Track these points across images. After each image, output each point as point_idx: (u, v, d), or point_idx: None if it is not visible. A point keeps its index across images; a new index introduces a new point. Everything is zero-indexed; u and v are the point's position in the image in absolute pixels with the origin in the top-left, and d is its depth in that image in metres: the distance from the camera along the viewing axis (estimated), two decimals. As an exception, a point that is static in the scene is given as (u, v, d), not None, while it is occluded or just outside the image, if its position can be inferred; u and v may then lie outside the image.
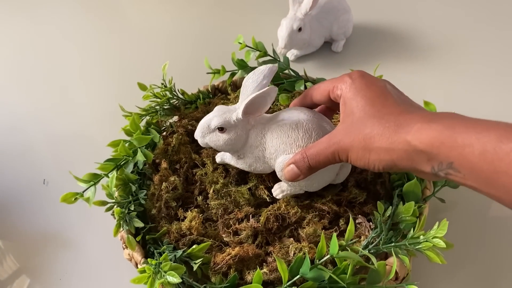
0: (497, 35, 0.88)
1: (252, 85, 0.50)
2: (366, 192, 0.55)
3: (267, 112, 0.60)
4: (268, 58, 0.70)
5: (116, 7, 1.09)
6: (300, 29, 0.78)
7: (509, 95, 0.75)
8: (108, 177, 0.54)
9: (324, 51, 0.87)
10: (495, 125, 0.34)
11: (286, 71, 0.70)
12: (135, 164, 0.59)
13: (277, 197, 0.54)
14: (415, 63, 0.84)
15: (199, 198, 0.55)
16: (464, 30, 0.90)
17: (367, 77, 0.45)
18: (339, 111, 0.47)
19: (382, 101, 0.42)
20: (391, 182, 0.55)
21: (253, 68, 0.69)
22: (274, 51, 0.69)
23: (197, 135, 0.53)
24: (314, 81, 0.69)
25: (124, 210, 0.53)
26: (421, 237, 0.47)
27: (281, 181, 0.53)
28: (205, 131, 0.52)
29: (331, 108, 0.55)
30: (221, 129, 0.50)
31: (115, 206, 0.53)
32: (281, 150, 0.50)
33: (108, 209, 0.53)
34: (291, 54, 0.85)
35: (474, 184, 0.35)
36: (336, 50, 0.86)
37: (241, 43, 0.68)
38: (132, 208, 0.53)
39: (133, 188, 0.55)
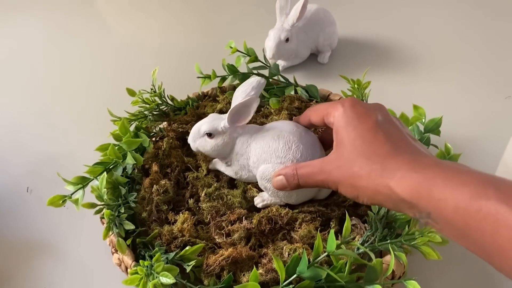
0: (480, 45, 0.90)
1: (241, 95, 0.53)
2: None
3: (259, 121, 0.61)
4: (259, 64, 0.70)
5: (105, 12, 1.09)
6: (287, 40, 0.79)
7: (492, 104, 0.77)
8: (97, 180, 0.53)
9: (311, 62, 0.88)
10: (473, 179, 0.34)
11: (276, 78, 0.70)
12: (124, 169, 0.58)
13: (258, 206, 0.54)
14: (399, 74, 0.85)
15: (191, 201, 0.54)
16: (447, 40, 0.92)
17: (358, 107, 0.45)
18: None
19: (371, 137, 0.42)
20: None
21: (243, 74, 0.69)
22: (265, 57, 0.70)
23: (190, 139, 0.55)
24: (304, 88, 0.70)
25: (114, 212, 0.51)
26: (416, 233, 0.46)
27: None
28: (196, 135, 0.54)
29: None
30: (209, 134, 0.53)
31: (105, 208, 0.51)
32: (262, 159, 0.51)
33: (97, 212, 0.51)
34: (279, 65, 0.84)
35: (450, 235, 0.36)
36: (322, 62, 0.87)
37: (232, 48, 0.68)
38: (122, 211, 0.52)
39: (123, 191, 0.54)
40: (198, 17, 1.05)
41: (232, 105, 0.53)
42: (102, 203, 0.51)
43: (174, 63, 0.90)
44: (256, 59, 0.69)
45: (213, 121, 0.53)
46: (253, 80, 0.54)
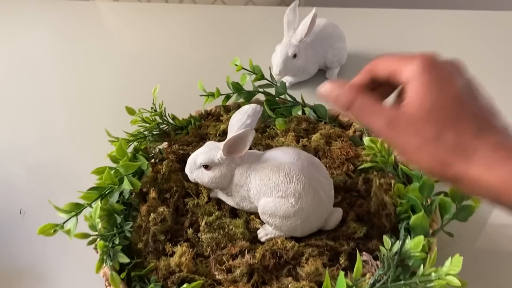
0: (501, 65, 0.86)
1: (237, 124, 0.50)
2: (370, 225, 0.51)
3: (264, 143, 0.58)
4: (264, 82, 0.66)
5: (107, 29, 1.06)
6: (295, 56, 0.75)
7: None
8: (92, 207, 0.50)
9: (319, 78, 0.84)
10: None
11: (283, 96, 0.67)
12: (121, 194, 0.55)
13: (262, 240, 0.51)
14: None
15: (190, 231, 0.51)
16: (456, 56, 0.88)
17: (440, 69, 0.36)
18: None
19: (456, 111, 0.35)
20: (397, 214, 0.52)
21: (249, 92, 0.66)
22: (271, 75, 0.66)
23: (187, 170, 0.53)
24: (312, 107, 0.66)
25: (108, 243, 0.48)
26: (433, 274, 0.43)
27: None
28: (192, 167, 0.51)
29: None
30: (206, 166, 0.50)
31: (98, 239, 0.48)
32: (262, 192, 0.48)
33: (90, 243, 0.48)
34: (286, 81, 0.81)
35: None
36: (331, 78, 0.84)
37: (237, 65, 0.65)
38: (117, 242, 0.48)
39: (118, 219, 0.51)
40: (203, 32, 1.02)
41: (228, 135, 0.50)
42: (96, 233, 0.48)
43: (177, 79, 0.87)
44: (262, 77, 0.66)
45: (209, 151, 0.50)
46: (249, 108, 0.51)
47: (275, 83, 0.66)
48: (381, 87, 0.42)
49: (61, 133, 0.78)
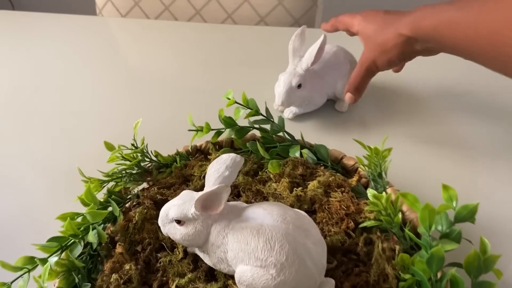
0: None
1: (214, 175, 0.44)
2: (368, 299, 0.44)
3: (254, 188, 0.52)
4: (260, 117, 0.60)
5: (113, 44, 1.01)
6: (299, 86, 0.69)
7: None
8: (46, 263, 0.44)
9: (327, 110, 0.77)
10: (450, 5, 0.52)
11: (281, 134, 0.60)
12: (88, 243, 0.49)
13: None
14: (427, 128, 0.73)
15: (157, 296, 0.44)
16: (477, 92, 0.79)
17: (370, 12, 0.64)
18: None
19: (383, 19, 0.60)
20: (399, 289, 0.44)
21: (242, 128, 0.59)
22: (267, 110, 0.59)
23: (159, 222, 0.46)
24: (312, 146, 0.59)
25: (59, 309, 0.42)
26: None
27: None
28: (165, 220, 0.45)
29: None
30: (178, 221, 0.44)
31: (49, 304, 0.42)
32: (240, 258, 0.41)
33: (38, 308, 0.42)
34: (289, 111, 0.74)
35: (439, 48, 0.55)
36: (340, 110, 0.76)
37: (229, 99, 0.59)
38: (68, 309, 0.42)
39: (76, 279, 0.44)
40: (212, 51, 0.96)
41: (205, 187, 0.44)
42: (46, 298, 0.42)
43: (164, 114, 0.79)
44: (257, 113, 0.59)
45: (183, 204, 0.43)
46: (227, 158, 0.44)
47: (272, 119, 0.59)
48: None
49: (24, 174, 0.70)
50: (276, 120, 0.60)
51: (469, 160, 0.67)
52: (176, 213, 0.43)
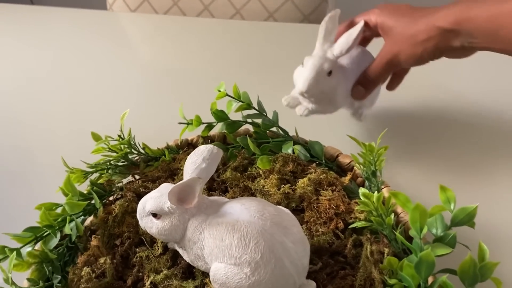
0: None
1: (191, 167, 0.42)
2: (352, 304, 0.41)
3: (242, 184, 0.50)
4: (253, 111, 0.57)
5: (122, 39, 1.00)
6: (330, 73, 0.56)
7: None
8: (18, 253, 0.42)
9: (340, 117, 0.69)
10: None
11: (274, 129, 0.57)
12: (67, 235, 0.47)
13: None
14: (447, 149, 0.67)
15: (130, 292, 0.42)
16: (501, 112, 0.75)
17: (389, 5, 0.58)
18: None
19: (409, 11, 0.55)
20: (385, 295, 0.41)
21: (234, 122, 0.57)
22: (259, 103, 0.57)
23: (137, 215, 0.44)
24: (307, 143, 0.56)
25: (27, 301, 0.40)
26: None
27: None
28: (142, 213, 0.43)
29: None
30: (155, 215, 0.41)
31: (15, 295, 0.41)
32: (214, 255, 0.39)
33: (4, 300, 0.40)
34: (304, 108, 0.61)
35: (486, 44, 0.49)
36: (358, 119, 0.65)
37: (220, 91, 0.56)
38: (36, 301, 0.41)
39: (47, 271, 0.43)
40: (219, 47, 0.94)
41: (184, 177, 0.41)
42: (12, 288, 0.40)
43: (172, 105, 0.77)
44: (249, 106, 0.56)
45: (160, 197, 0.41)
46: (204, 149, 0.42)
47: (264, 114, 0.57)
48: None
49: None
50: (271, 116, 0.58)
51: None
52: (152, 206, 0.42)
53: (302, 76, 0.56)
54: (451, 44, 0.51)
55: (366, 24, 0.59)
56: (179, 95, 0.81)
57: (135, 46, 0.99)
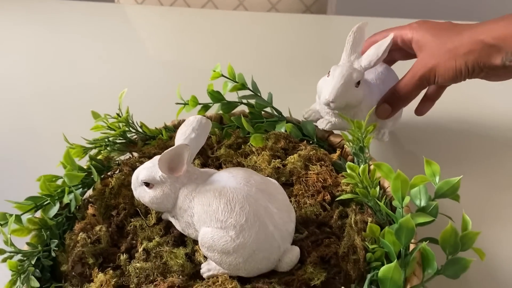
0: None
1: (181, 138, 0.44)
2: (336, 271, 0.42)
3: (235, 160, 0.51)
4: (249, 93, 0.59)
5: (127, 31, 1.03)
6: (358, 84, 0.53)
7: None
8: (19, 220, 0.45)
9: None
10: None
11: (268, 109, 0.59)
12: (67, 205, 0.50)
13: (204, 276, 0.43)
14: (474, 172, 0.63)
15: (123, 257, 0.44)
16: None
17: (429, 21, 0.55)
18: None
19: (450, 26, 0.53)
20: (366, 261, 0.42)
21: (229, 102, 0.59)
22: (253, 83, 0.59)
23: (132, 186, 0.46)
24: (299, 123, 0.58)
25: (25, 263, 0.43)
26: None
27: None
28: (135, 183, 0.45)
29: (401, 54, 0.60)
30: (147, 184, 0.43)
31: (15, 256, 0.43)
32: (202, 220, 0.41)
33: (3, 260, 0.43)
34: (327, 121, 0.56)
35: None
36: (380, 140, 0.60)
37: (215, 72, 0.58)
38: (33, 262, 0.43)
39: (45, 236, 0.45)
40: (222, 38, 0.96)
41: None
42: (12, 250, 0.43)
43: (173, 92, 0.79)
44: (243, 87, 0.58)
45: (153, 167, 0.43)
46: (193, 120, 0.44)
47: (259, 94, 0.58)
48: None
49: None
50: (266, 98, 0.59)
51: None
52: (145, 176, 0.44)
53: (330, 84, 0.52)
54: (492, 61, 0.48)
55: (397, 39, 0.55)
56: (181, 81, 0.82)
57: (141, 37, 1.01)
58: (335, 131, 0.57)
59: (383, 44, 0.52)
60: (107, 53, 0.94)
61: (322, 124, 0.56)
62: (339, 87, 0.51)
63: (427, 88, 0.57)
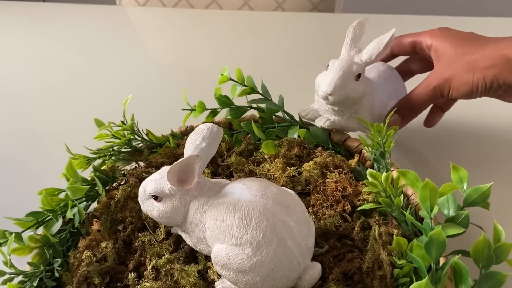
0: None
1: (191, 147, 0.41)
2: (359, 287, 0.39)
3: (247, 169, 0.49)
4: (258, 96, 0.56)
5: (130, 33, 1.00)
6: (358, 77, 0.49)
7: None
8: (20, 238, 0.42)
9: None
10: None
11: (280, 114, 0.56)
12: (70, 220, 0.47)
13: None
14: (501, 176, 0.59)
15: (131, 276, 0.41)
16: None
17: (451, 29, 0.52)
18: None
19: (473, 37, 0.49)
20: (394, 277, 0.39)
21: (238, 107, 0.56)
22: (263, 87, 0.56)
23: (139, 199, 0.43)
24: (308, 128, 0.55)
25: (27, 284, 0.40)
26: None
27: None
28: (143, 196, 0.42)
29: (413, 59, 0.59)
30: (155, 197, 0.40)
31: (15, 278, 0.40)
32: (215, 236, 0.38)
33: (4, 282, 0.40)
34: (326, 119, 0.53)
35: None
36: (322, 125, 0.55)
37: (223, 75, 0.55)
38: (35, 284, 0.40)
39: (48, 255, 0.42)
40: (228, 38, 0.93)
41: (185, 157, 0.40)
42: (12, 271, 0.40)
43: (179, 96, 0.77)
44: (253, 91, 0.55)
45: (161, 179, 0.40)
46: (204, 128, 0.41)
47: (269, 98, 0.55)
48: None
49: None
50: (277, 101, 0.56)
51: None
52: (153, 188, 0.41)
53: (328, 76, 0.49)
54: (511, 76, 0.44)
55: (416, 45, 0.54)
56: (188, 85, 0.80)
57: (144, 40, 0.99)
58: (352, 135, 0.54)
59: (384, 38, 0.50)
60: (109, 58, 0.92)
61: (320, 122, 0.53)
62: (338, 78, 0.48)
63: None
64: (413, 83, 0.55)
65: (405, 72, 0.58)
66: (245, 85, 0.55)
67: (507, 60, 0.44)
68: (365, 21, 0.52)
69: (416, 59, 0.57)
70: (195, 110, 0.56)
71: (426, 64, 0.56)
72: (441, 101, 0.55)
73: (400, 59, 0.60)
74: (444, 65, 0.49)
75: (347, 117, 0.52)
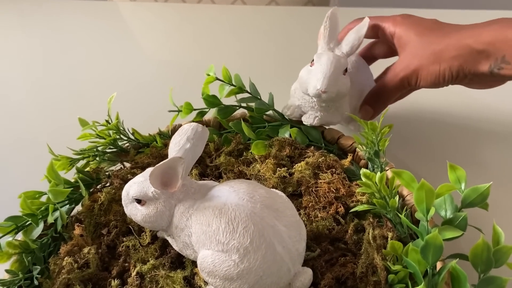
0: None
1: (175, 148, 0.39)
2: (353, 293, 0.37)
3: (236, 169, 0.47)
4: (246, 95, 0.54)
5: (122, 28, 0.98)
6: (346, 71, 0.48)
7: None
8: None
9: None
10: None
11: (270, 112, 0.54)
12: (53, 224, 0.45)
13: None
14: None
15: (114, 283, 0.40)
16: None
17: (414, 16, 0.51)
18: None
19: (436, 25, 0.49)
20: (388, 283, 0.37)
21: (227, 107, 0.54)
22: (252, 86, 0.53)
23: (122, 202, 0.41)
24: (300, 128, 0.53)
25: (3, 294, 0.38)
26: None
27: None
28: (126, 199, 0.40)
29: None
30: (139, 201, 0.39)
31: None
32: (201, 241, 0.36)
33: (-21, 292, 0.38)
34: (314, 116, 0.51)
35: None
36: (358, 130, 0.55)
37: (209, 75, 0.53)
38: (13, 293, 0.38)
39: (27, 262, 0.40)
40: (221, 33, 0.91)
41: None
42: (-12, 280, 0.38)
43: (161, 89, 0.74)
44: (241, 90, 0.53)
45: (145, 181, 0.38)
46: (188, 128, 0.39)
47: (259, 97, 0.53)
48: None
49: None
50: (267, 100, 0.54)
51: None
52: (136, 192, 0.39)
53: (319, 73, 0.46)
54: (478, 68, 0.45)
55: (378, 30, 0.53)
56: (179, 82, 0.78)
57: (134, 36, 0.96)
58: (345, 133, 0.53)
59: (362, 28, 0.49)
60: (97, 53, 0.89)
61: (309, 120, 0.51)
62: (330, 75, 0.46)
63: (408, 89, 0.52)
64: (377, 68, 0.56)
65: (368, 57, 0.58)
66: (233, 85, 0.53)
67: (471, 50, 0.44)
68: (336, 11, 0.50)
69: (379, 44, 0.56)
70: (181, 111, 0.54)
71: (388, 49, 0.55)
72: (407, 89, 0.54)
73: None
74: (409, 55, 0.49)
75: (332, 112, 0.51)
